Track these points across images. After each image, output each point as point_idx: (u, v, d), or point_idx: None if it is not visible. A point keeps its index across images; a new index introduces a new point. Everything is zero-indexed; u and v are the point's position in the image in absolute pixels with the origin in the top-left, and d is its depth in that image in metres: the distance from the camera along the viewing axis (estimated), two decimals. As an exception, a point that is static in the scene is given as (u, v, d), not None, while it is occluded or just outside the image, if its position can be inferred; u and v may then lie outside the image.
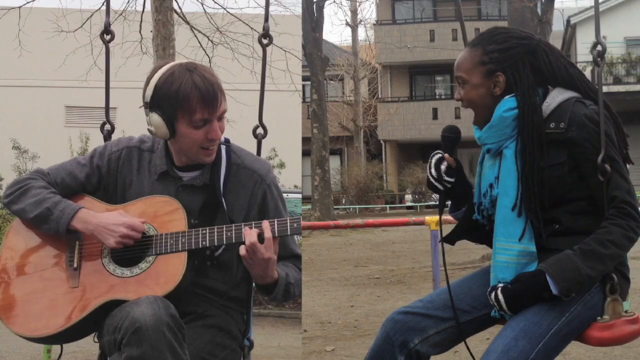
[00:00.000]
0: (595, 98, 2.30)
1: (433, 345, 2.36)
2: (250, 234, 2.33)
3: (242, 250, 2.34)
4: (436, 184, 2.43)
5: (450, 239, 2.52)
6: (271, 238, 2.34)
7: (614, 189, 2.21)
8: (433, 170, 2.43)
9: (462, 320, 2.39)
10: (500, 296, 2.22)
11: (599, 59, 2.41)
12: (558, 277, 2.15)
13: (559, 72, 2.33)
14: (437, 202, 2.55)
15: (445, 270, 2.49)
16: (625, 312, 2.26)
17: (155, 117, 2.42)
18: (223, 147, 2.57)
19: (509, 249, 2.27)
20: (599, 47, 2.41)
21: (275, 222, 2.38)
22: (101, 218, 2.43)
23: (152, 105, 2.43)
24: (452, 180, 2.43)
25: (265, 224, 2.36)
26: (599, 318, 2.24)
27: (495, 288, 2.24)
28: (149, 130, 2.48)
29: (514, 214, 2.27)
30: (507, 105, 2.31)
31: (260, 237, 2.34)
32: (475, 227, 2.47)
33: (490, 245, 2.40)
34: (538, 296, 2.18)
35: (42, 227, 2.47)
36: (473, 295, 2.42)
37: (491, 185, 2.37)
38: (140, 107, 2.48)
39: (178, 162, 2.55)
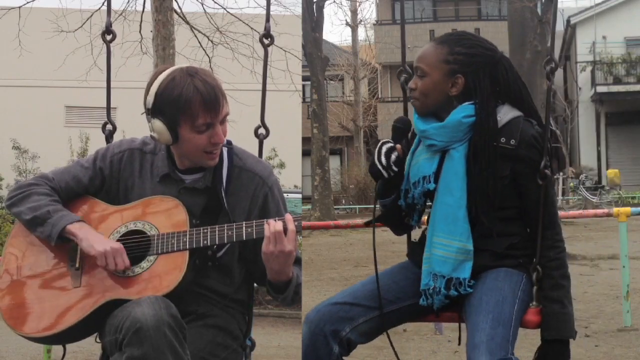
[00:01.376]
0: (539, 120, 2.47)
1: (361, 333, 2.48)
2: (274, 225, 2.34)
3: (265, 243, 2.34)
4: (383, 171, 2.51)
5: (371, 222, 2.64)
6: (294, 230, 2.35)
7: (547, 197, 2.43)
8: (383, 159, 2.51)
9: (388, 309, 2.51)
10: None
11: (551, 75, 2.53)
12: (568, 334, 2.41)
13: (513, 90, 2.46)
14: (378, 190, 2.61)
15: (375, 257, 2.58)
16: None
17: (158, 124, 2.42)
18: (225, 149, 2.56)
19: (448, 245, 2.42)
20: (552, 64, 2.52)
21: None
22: (96, 234, 2.43)
23: (154, 111, 2.43)
24: (396, 170, 2.53)
25: (288, 216, 2.37)
26: (531, 304, 2.46)
27: None
28: (151, 136, 2.48)
29: (456, 213, 2.41)
30: (466, 112, 2.43)
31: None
32: (394, 213, 2.60)
33: (399, 230, 2.65)
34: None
35: (36, 230, 2.47)
36: (398, 287, 2.54)
37: (425, 178, 2.47)
38: (142, 113, 2.48)
39: (180, 164, 2.54)
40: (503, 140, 2.40)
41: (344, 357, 2.48)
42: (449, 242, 2.41)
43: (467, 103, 2.44)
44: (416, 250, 2.60)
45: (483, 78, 2.43)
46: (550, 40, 2.63)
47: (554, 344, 2.41)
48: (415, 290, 2.51)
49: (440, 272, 2.42)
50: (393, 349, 2.61)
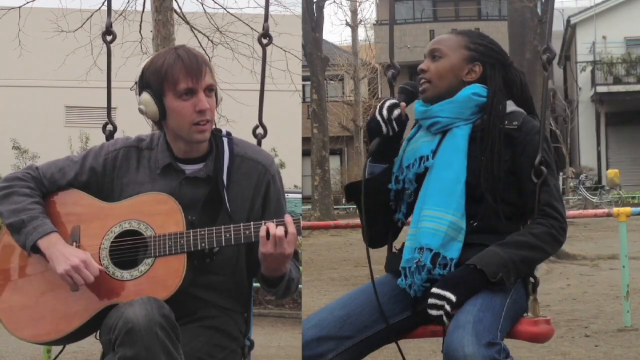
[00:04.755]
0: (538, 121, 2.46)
1: None
2: (274, 230, 2.31)
3: (263, 243, 2.31)
4: (383, 125, 2.43)
5: (350, 190, 2.49)
6: (295, 233, 2.33)
7: (542, 192, 2.33)
8: (385, 112, 2.42)
9: (364, 335, 2.34)
10: (438, 290, 2.21)
11: (547, 65, 2.54)
12: (482, 263, 2.21)
13: (523, 92, 2.50)
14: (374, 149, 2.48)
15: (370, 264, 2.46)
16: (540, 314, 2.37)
17: (144, 95, 2.44)
18: (225, 140, 2.55)
19: (441, 218, 2.31)
20: (548, 54, 2.53)
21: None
22: (66, 247, 2.39)
23: (142, 85, 2.46)
24: (396, 129, 2.44)
25: (288, 218, 2.34)
26: (525, 314, 2.32)
27: (430, 294, 2.23)
28: (139, 109, 2.48)
29: (453, 187, 2.33)
30: (478, 90, 2.44)
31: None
32: (379, 188, 2.47)
33: (376, 229, 2.47)
34: (473, 277, 2.22)
35: (14, 237, 2.44)
36: (370, 310, 2.38)
37: (422, 158, 2.41)
38: (131, 88, 2.49)
39: (178, 152, 2.52)
40: (506, 122, 2.40)
41: None
42: (441, 215, 2.31)
43: (477, 84, 2.46)
44: (395, 260, 2.47)
45: (498, 72, 2.47)
46: (547, 29, 2.66)
47: (467, 266, 2.23)
48: (397, 308, 2.39)
49: (428, 244, 2.31)
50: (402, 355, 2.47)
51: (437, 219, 2.31)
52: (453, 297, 2.18)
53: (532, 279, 2.37)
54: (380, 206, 2.48)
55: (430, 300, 2.20)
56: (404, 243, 2.47)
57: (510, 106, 2.47)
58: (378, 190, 2.46)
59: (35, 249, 2.39)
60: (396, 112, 2.42)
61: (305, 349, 2.27)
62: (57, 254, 2.36)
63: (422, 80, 2.48)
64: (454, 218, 2.30)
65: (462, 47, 2.48)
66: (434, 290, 2.21)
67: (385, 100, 2.45)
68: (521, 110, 2.48)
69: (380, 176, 2.48)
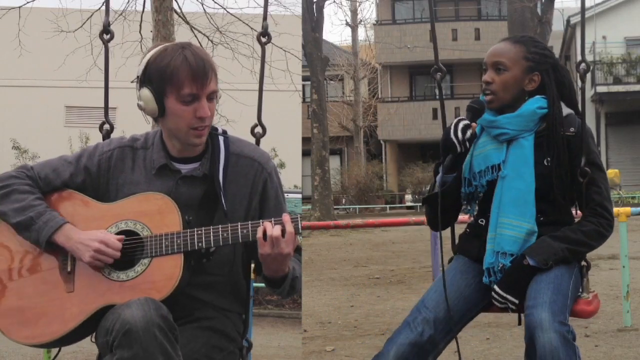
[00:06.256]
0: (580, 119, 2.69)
1: (439, 352, 2.61)
2: (271, 230, 2.30)
3: (261, 245, 2.31)
4: (458, 145, 2.63)
5: (430, 196, 2.72)
6: (293, 232, 2.32)
7: (594, 193, 2.62)
8: (460, 134, 2.63)
9: (460, 325, 2.65)
10: (501, 291, 2.57)
11: (584, 76, 2.76)
12: (533, 253, 2.55)
13: (570, 91, 2.70)
14: (445, 163, 2.69)
15: (443, 268, 2.69)
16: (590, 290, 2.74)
17: (146, 92, 2.41)
18: (221, 138, 2.54)
19: (519, 227, 2.60)
20: (583, 65, 2.74)
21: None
22: (81, 234, 2.38)
23: (143, 80, 2.42)
24: (468, 147, 2.67)
25: (286, 217, 2.33)
26: (582, 295, 2.67)
27: (493, 291, 2.60)
28: (138, 105, 2.45)
29: (526, 197, 2.59)
30: (540, 104, 2.64)
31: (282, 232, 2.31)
32: (452, 193, 2.72)
33: (441, 219, 2.65)
34: (527, 274, 2.55)
35: (22, 235, 2.42)
36: (464, 297, 2.67)
37: (493, 167, 2.66)
38: (133, 81, 2.46)
39: (173, 150, 2.50)
40: (564, 128, 2.62)
41: None
42: (519, 224, 2.60)
43: (538, 96, 2.65)
44: (470, 242, 2.74)
45: (552, 78, 2.66)
46: (581, 41, 2.85)
47: (521, 265, 2.54)
48: (480, 296, 2.67)
49: (510, 251, 2.59)
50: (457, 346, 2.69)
51: (516, 228, 2.60)
52: (516, 301, 2.55)
53: (585, 263, 2.72)
54: (452, 204, 2.75)
55: (495, 296, 2.58)
56: (468, 225, 2.79)
57: (564, 109, 2.66)
58: (451, 194, 2.72)
59: (50, 244, 2.39)
60: (469, 132, 2.64)
61: (424, 347, 2.54)
62: (77, 245, 2.36)
63: (487, 92, 2.68)
64: (529, 225, 2.60)
65: (522, 58, 2.65)
66: (498, 290, 2.57)
67: (459, 121, 2.65)
68: (571, 111, 2.66)
69: (453, 184, 2.72)
